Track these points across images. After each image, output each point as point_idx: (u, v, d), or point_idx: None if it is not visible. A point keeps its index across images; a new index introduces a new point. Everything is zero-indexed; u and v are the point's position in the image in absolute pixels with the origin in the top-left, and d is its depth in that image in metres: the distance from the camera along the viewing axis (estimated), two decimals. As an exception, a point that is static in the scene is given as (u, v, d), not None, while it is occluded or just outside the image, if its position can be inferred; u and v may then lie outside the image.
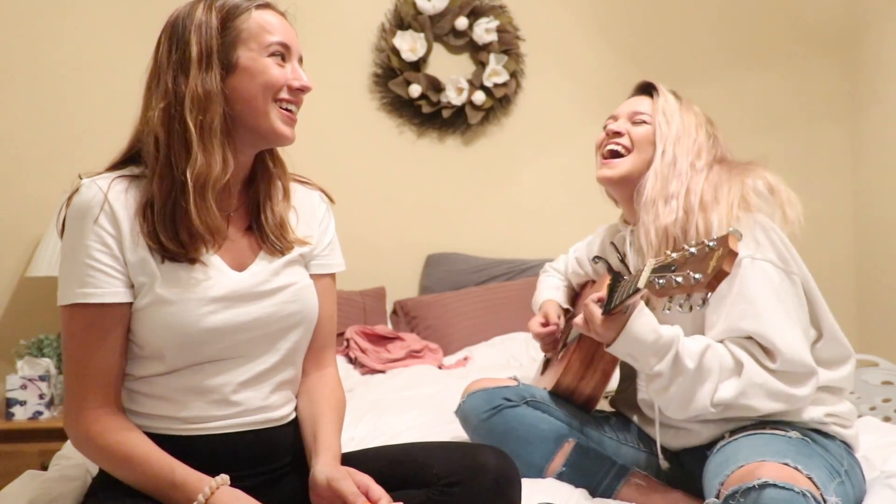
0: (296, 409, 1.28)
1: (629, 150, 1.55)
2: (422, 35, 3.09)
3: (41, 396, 2.47)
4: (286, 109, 1.21)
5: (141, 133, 1.18)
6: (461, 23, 3.13)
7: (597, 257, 1.62)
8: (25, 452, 2.39)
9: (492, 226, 3.24)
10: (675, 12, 3.42)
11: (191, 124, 1.13)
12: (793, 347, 1.35)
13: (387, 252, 3.12)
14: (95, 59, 2.85)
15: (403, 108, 3.14)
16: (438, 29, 3.14)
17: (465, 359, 2.65)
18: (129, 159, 1.20)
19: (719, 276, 1.07)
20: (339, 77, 3.08)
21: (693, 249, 1.14)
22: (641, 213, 1.51)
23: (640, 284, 1.21)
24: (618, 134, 1.57)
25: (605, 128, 1.61)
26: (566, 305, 1.86)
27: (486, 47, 3.16)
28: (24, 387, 2.46)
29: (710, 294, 1.09)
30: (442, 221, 3.20)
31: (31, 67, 2.80)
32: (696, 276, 1.09)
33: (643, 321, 1.35)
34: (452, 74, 3.11)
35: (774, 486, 1.12)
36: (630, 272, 1.56)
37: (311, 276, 1.31)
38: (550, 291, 1.89)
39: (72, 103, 2.83)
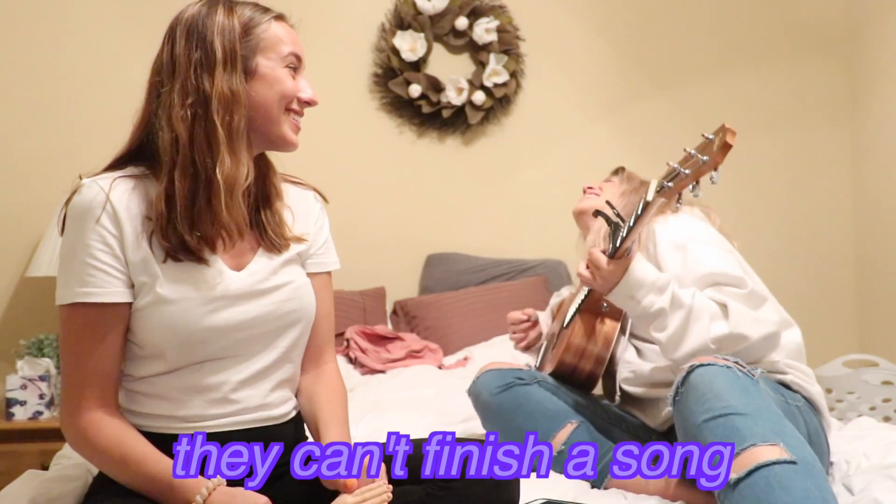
0: (297, 406, 1.30)
1: (598, 193, 1.83)
2: (422, 35, 3.09)
3: (41, 396, 2.47)
4: (293, 115, 1.25)
5: (148, 128, 1.19)
6: (461, 23, 3.13)
7: (596, 211, 1.67)
8: (25, 452, 2.39)
9: (492, 226, 3.24)
10: (675, 12, 3.42)
11: (218, 124, 1.14)
12: (751, 275, 1.56)
13: (387, 252, 3.12)
14: (95, 60, 2.85)
15: (403, 108, 3.14)
16: (438, 29, 3.14)
17: (465, 359, 2.65)
18: (129, 158, 1.21)
19: (725, 147, 1.18)
20: (339, 77, 3.08)
21: (692, 150, 1.25)
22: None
23: (649, 197, 1.36)
24: (591, 188, 1.86)
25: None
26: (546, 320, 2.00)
27: (486, 47, 3.16)
28: (24, 387, 2.46)
29: (716, 172, 1.21)
30: (442, 221, 3.20)
31: (30, 68, 2.80)
32: (704, 157, 1.21)
33: (643, 264, 1.49)
34: (452, 74, 3.12)
35: (701, 365, 1.30)
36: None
37: (308, 274, 1.32)
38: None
39: (71, 104, 2.83)
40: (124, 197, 1.15)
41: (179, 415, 1.17)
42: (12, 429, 2.42)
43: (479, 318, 2.87)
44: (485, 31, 3.13)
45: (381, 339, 2.69)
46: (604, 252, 1.50)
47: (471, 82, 3.15)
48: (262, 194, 1.28)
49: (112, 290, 1.13)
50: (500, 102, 3.20)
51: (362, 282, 2.97)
